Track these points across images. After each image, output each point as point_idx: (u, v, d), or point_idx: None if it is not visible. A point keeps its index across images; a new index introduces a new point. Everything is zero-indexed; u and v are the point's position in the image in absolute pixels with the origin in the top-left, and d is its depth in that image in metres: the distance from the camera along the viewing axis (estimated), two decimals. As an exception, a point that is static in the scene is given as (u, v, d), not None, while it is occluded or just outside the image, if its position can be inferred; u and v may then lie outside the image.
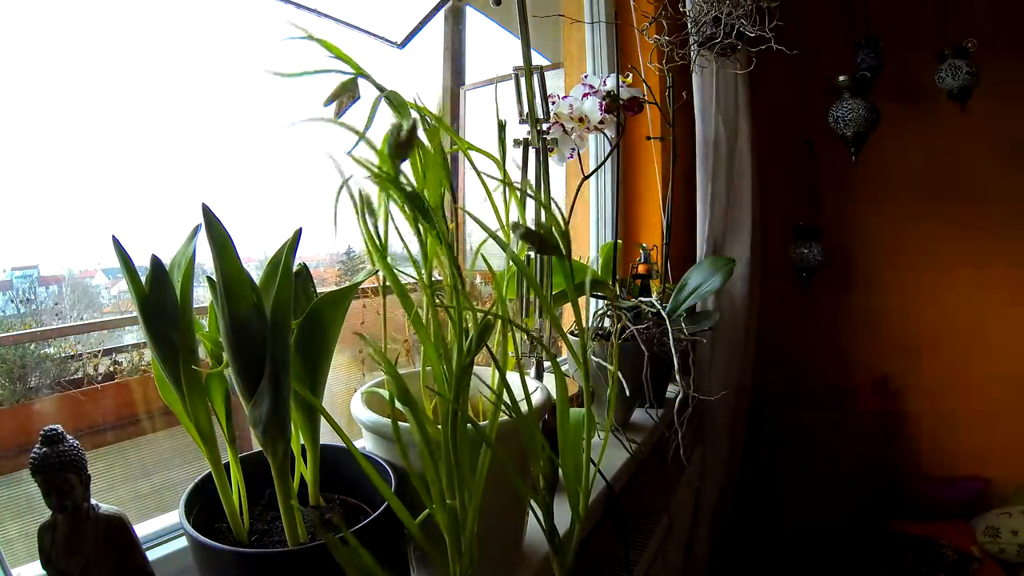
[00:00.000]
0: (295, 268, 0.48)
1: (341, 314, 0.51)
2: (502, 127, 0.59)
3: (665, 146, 1.47)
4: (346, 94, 0.43)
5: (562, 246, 0.41)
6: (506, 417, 0.47)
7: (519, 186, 0.75)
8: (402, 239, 0.45)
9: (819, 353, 1.92)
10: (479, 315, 0.42)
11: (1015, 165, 1.60)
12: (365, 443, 0.61)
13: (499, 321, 0.44)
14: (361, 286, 0.52)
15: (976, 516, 1.56)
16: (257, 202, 1.14)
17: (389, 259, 0.46)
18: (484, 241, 0.47)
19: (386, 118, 0.44)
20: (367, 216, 0.42)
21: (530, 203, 0.75)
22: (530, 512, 0.49)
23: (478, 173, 0.51)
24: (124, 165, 1.12)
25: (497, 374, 0.46)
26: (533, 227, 0.41)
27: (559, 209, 0.42)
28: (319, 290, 0.54)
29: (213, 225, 0.41)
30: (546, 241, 0.42)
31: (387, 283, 0.48)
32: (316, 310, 0.50)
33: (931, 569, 1.43)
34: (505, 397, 0.45)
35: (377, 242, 0.44)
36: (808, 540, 1.70)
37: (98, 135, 1.08)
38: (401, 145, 0.37)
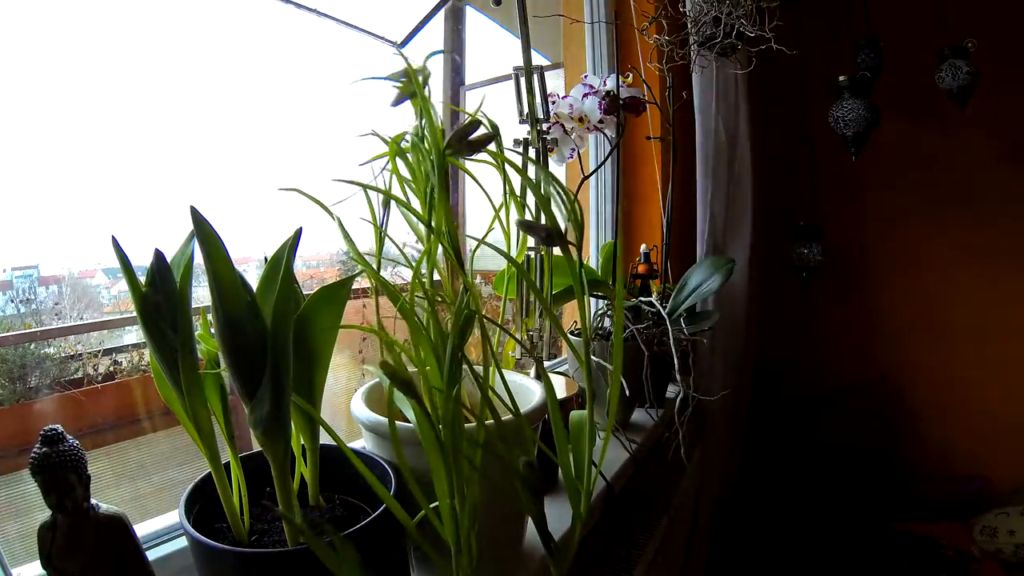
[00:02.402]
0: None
1: (337, 312, 0.51)
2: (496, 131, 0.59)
3: (665, 146, 1.47)
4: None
5: (574, 238, 0.41)
6: (505, 417, 0.47)
7: (520, 186, 0.75)
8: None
9: (819, 353, 1.92)
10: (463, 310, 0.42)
11: (1015, 165, 1.60)
12: (365, 443, 0.61)
13: (484, 319, 0.44)
14: (363, 287, 0.52)
15: (975, 516, 1.56)
16: (257, 201, 1.14)
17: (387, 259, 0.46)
18: (478, 246, 0.47)
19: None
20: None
21: (531, 203, 0.75)
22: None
23: (477, 182, 0.51)
24: (124, 165, 1.12)
25: (481, 373, 0.46)
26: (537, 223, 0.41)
27: (566, 200, 0.42)
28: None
29: (203, 227, 0.41)
30: (551, 231, 0.42)
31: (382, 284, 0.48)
32: (311, 308, 0.50)
33: (931, 569, 1.43)
34: (504, 398, 0.45)
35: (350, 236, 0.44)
36: (808, 540, 1.70)
37: (98, 135, 1.08)
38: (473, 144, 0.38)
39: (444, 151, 0.42)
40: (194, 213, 0.41)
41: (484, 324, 0.45)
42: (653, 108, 1.25)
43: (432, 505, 0.45)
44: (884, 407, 1.82)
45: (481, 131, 0.44)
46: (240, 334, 0.43)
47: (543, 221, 0.45)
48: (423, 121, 0.44)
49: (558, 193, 0.42)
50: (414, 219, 0.47)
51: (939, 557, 1.46)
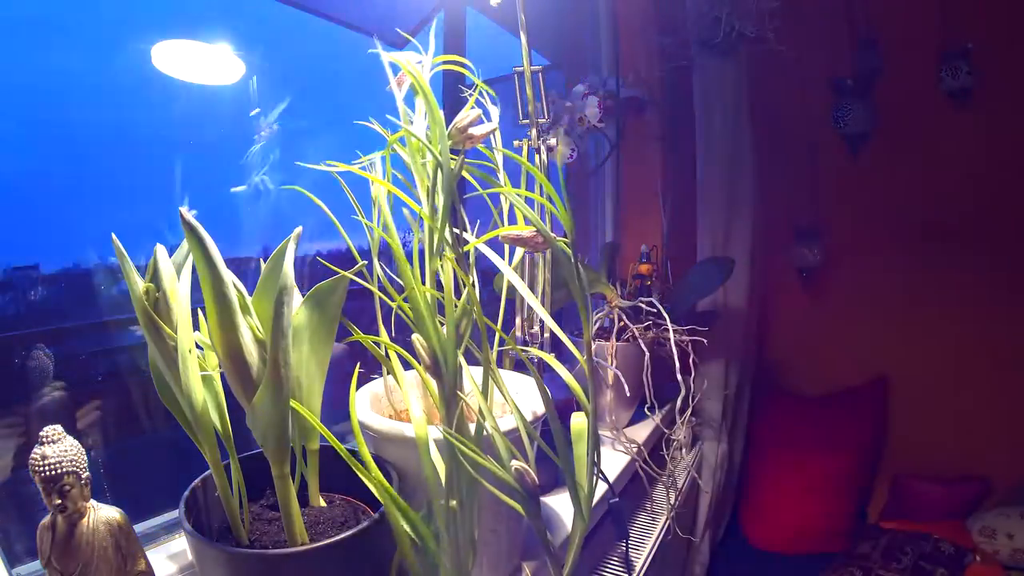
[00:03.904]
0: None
1: (334, 311, 0.51)
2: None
3: (665, 146, 1.47)
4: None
5: (567, 245, 0.41)
6: (498, 421, 0.47)
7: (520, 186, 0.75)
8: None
9: (819, 353, 1.92)
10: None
11: (1015, 165, 1.60)
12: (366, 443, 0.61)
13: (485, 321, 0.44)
14: (362, 289, 0.52)
15: (974, 515, 1.56)
16: (259, 198, 1.13)
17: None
18: (472, 245, 0.47)
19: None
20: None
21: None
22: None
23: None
24: (125, 162, 1.11)
25: (481, 377, 0.46)
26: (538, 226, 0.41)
27: (564, 207, 0.42)
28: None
29: (195, 230, 0.41)
30: (540, 243, 0.42)
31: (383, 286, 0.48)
32: (308, 308, 0.50)
33: (929, 564, 1.43)
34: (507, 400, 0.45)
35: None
36: (808, 539, 1.70)
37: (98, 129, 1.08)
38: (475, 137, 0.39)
39: (448, 142, 0.42)
40: (184, 216, 0.40)
41: (483, 324, 0.45)
42: (653, 108, 1.25)
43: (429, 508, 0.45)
44: (884, 407, 1.82)
45: (482, 125, 0.44)
46: (236, 335, 0.43)
47: (531, 230, 0.45)
48: (425, 115, 0.44)
49: (551, 198, 0.42)
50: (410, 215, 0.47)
51: (937, 551, 1.46)
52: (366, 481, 0.45)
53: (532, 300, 0.42)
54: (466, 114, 0.44)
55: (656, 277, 1.17)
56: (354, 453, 0.48)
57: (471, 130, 0.44)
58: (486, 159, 0.54)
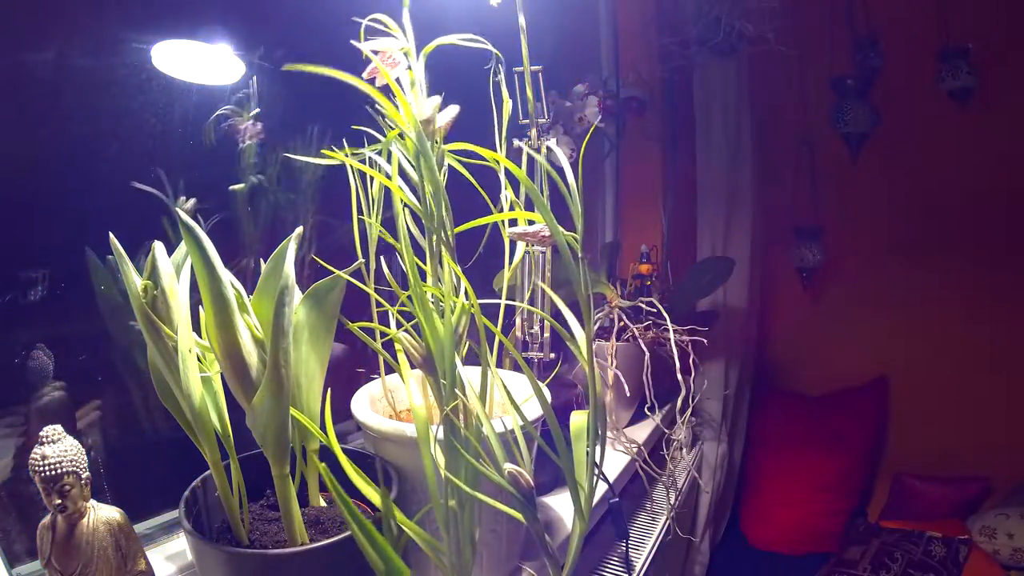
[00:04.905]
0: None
1: (333, 310, 0.51)
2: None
3: (665, 146, 1.47)
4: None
5: (575, 241, 0.41)
6: (498, 420, 0.47)
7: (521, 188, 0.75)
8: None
9: (819, 353, 1.92)
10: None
11: (1015, 165, 1.60)
12: (365, 443, 0.61)
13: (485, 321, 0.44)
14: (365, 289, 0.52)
15: (974, 515, 1.56)
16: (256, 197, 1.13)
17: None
18: (463, 226, 0.47)
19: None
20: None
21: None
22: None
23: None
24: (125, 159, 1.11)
25: (480, 375, 0.46)
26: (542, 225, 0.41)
27: (579, 200, 0.42)
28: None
29: (191, 230, 0.40)
30: (545, 238, 0.42)
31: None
32: (307, 307, 0.50)
33: (927, 558, 1.43)
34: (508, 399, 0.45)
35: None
36: (807, 539, 1.70)
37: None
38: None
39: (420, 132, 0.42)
40: (181, 216, 0.40)
41: (481, 324, 0.45)
42: (653, 108, 1.25)
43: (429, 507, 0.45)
44: (884, 407, 1.82)
45: (445, 111, 0.45)
46: (235, 335, 0.43)
47: (537, 225, 0.45)
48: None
49: (566, 188, 0.42)
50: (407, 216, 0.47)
51: (933, 552, 1.46)
52: (363, 482, 0.45)
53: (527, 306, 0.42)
54: (427, 105, 0.44)
55: (656, 277, 1.17)
56: (350, 454, 0.48)
57: (437, 118, 0.44)
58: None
